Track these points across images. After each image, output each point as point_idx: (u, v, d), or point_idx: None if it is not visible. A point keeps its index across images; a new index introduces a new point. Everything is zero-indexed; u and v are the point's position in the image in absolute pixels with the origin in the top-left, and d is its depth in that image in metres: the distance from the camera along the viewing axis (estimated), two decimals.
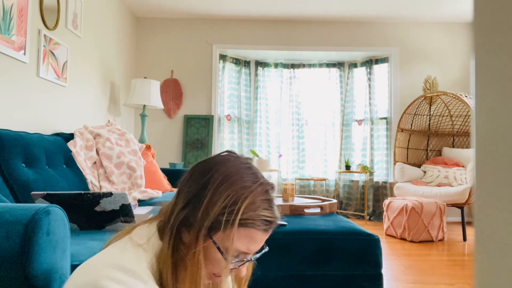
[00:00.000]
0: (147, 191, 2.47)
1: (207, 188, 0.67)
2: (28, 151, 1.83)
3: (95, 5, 3.30)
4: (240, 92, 4.73)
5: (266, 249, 0.76)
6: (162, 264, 0.66)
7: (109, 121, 2.96)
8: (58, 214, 0.95)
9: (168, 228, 0.68)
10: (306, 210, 1.89)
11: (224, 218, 0.66)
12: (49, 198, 1.36)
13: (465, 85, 4.51)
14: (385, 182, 4.52)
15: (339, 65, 4.89)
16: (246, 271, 0.73)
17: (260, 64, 4.86)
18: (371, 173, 4.54)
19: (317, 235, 1.52)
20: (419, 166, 4.35)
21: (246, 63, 4.82)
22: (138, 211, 1.82)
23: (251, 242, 0.69)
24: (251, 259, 0.72)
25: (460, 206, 3.46)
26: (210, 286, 0.80)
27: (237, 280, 0.81)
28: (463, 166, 4.00)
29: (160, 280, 0.66)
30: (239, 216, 0.66)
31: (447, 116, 4.44)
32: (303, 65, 4.89)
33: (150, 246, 0.68)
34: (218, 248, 0.67)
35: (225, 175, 0.69)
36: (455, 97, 3.84)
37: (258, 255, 0.74)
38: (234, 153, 0.76)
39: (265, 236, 0.71)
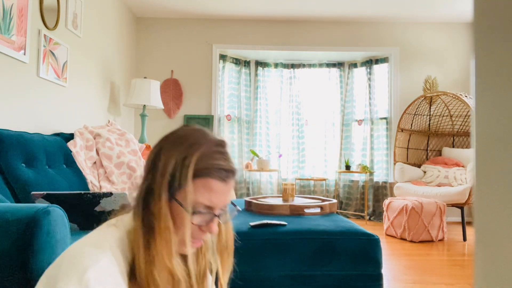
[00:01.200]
0: None
1: (161, 153, 0.70)
2: (28, 151, 1.83)
3: (95, 5, 3.30)
4: (240, 92, 4.73)
5: (238, 208, 0.78)
6: (133, 237, 0.68)
7: (109, 121, 2.96)
8: (58, 214, 0.95)
9: (136, 202, 0.70)
10: (306, 210, 1.89)
11: (179, 174, 0.68)
12: (49, 198, 1.36)
13: (465, 85, 4.51)
14: (385, 182, 4.52)
15: (339, 65, 4.89)
16: (216, 228, 0.73)
17: (260, 64, 4.86)
18: (371, 173, 4.54)
19: (317, 235, 1.52)
20: (419, 166, 4.35)
21: (246, 63, 4.82)
22: None
23: (211, 193, 0.70)
24: (219, 215, 0.72)
25: (460, 206, 3.46)
26: (200, 257, 0.81)
27: (218, 249, 0.82)
28: (463, 166, 4.00)
29: (133, 255, 0.67)
30: (191, 167, 0.68)
31: (447, 116, 4.44)
32: (303, 65, 4.89)
33: (122, 224, 0.70)
34: (181, 205, 0.68)
35: (177, 136, 0.72)
36: (455, 97, 3.84)
37: (228, 214, 0.76)
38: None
39: (225, 187, 0.72)
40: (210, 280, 0.89)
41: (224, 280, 0.81)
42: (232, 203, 0.79)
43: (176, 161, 0.69)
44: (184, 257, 0.78)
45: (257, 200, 2.12)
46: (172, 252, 0.67)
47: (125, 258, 0.66)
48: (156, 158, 0.71)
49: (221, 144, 0.74)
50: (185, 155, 0.69)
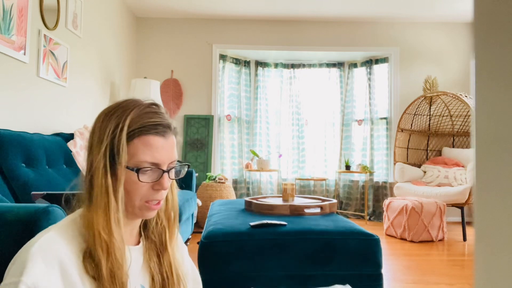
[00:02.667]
0: None
1: (95, 129, 0.73)
2: (28, 151, 1.83)
3: (95, 5, 3.30)
4: (240, 92, 4.73)
5: (185, 164, 0.80)
6: (83, 217, 0.70)
7: None
8: (58, 214, 0.95)
9: (84, 184, 0.72)
10: (306, 210, 1.89)
11: (116, 140, 0.69)
12: (49, 198, 1.36)
13: (465, 85, 4.51)
14: (385, 182, 4.52)
15: (339, 65, 4.89)
16: (168, 183, 0.74)
17: (260, 64, 4.86)
18: (371, 173, 4.54)
19: (317, 235, 1.52)
20: (419, 166, 4.35)
21: (246, 63, 4.82)
22: None
23: (152, 149, 0.71)
24: (168, 171, 0.74)
25: (460, 206, 3.46)
26: (159, 223, 0.82)
27: (166, 215, 0.83)
28: (463, 166, 4.00)
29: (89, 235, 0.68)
30: (125, 130, 0.69)
31: (447, 116, 4.44)
32: (303, 65, 4.89)
33: (78, 211, 0.73)
34: (127, 167, 0.70)
35: (109, 109, 0.74)
36: (455, 97, 3.84)
37: (178, 170, 0.79)
38: None
39: (166, 142, 0.74)
40: (184, 250, 0.92)
41: (171, 246, 0.83)
42: (179, 161, 0.81)
43: (110, 129, 0.70)
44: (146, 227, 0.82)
45: (257, 200, 2.12)
46: (109, 219, 0.68)
47: (76, 235, 0.68)
48: (93, 133, 0.73)
49: (153, 104, 0.76)
50: (117, 122, 0.70)
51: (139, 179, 0.71)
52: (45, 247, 0.62)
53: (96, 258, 0.66)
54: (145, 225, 0.83)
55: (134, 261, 0.76)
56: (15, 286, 0.57)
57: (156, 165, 0.73)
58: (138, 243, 0.81)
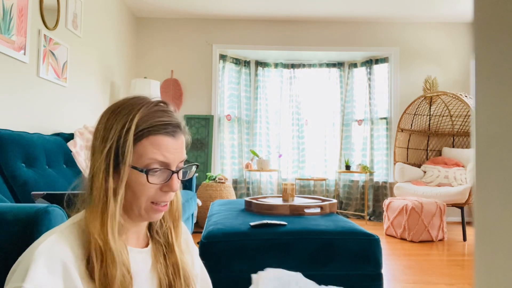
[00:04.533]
0: None
1: (99, 127, 0.69)
2: (28, 151, 1.83)
3: (95, 5, 3.30)
4: (240, 92, 4.73)
5: (194, 164, 0.78)
6: (85, 221, 0.67)
7: None
8: (58, 214, 0.95)
9: (86, 185, 0.70)
10: (306, 210, 1.89)
11: (122, 140, 0.66)
12: (49, 198, 1.36)
13: (465, 85, 4.51)
14: (385, 182, 4.52)
15: (339, 65, 4.89)
16: (177, 185, 0.72)
17: (260, 64, 4.86)
18: (371, 173, 4.54)
19: (317, 235, 1.52)
20: (419, 166, 4.35)
21: (246, 63, 4.82)
22: None
23: (161, 149, 0.69)
24: (177, 171, 0.72)
25: (460, 206, 3.46)
26: (164, 226, 0.80)
27: (171, 217, 0.81)
28: (463, 166, 4.00)
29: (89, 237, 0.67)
30: (132, 129, 0.66)
31: (447, 116, 4.44)
32: (303, 65, 4.89)
33: (80, 214, 0.71)
34: (135, 168, 0.67)
35: (114, 107, 0.70)
36: (455, 97, 3.84)
37: (187, 171, 0.76)
38: None
39: (175, 142, 0.71)
40: (194, 252, 0.90)
41: (178, 247, 0.81)
42: (187, 161, 0.79)
43: (116, 129, 0.67)
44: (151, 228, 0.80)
45: (257, 200, 2.12)
46: (105, 224, 0.65)
47: (79, 238, 0.66)
48: (97, 132, 0.70)
49: (162, 102, 0.73)
50: (125, 121, 0.67)
51: (148, 181, 0.68)
52: (48, 250, 0.61)
53: (91, 263, 0.64)
54: (149, 227, 0.82)
55: (142, 263, 0.75)
56: None
57: (165, 166, 0.70)
58: (147, 245, 0.79)
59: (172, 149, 0.70)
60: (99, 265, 0.64)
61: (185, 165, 0.76)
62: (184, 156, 0.74)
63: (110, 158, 0.67)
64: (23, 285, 0.57)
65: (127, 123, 0.67)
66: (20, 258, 0.62)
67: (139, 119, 0.68)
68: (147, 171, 0.68)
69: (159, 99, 0.74)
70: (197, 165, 0.79)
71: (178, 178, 0.73)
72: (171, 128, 0.70)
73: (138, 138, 0.68)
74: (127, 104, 0.70)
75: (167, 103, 0.74)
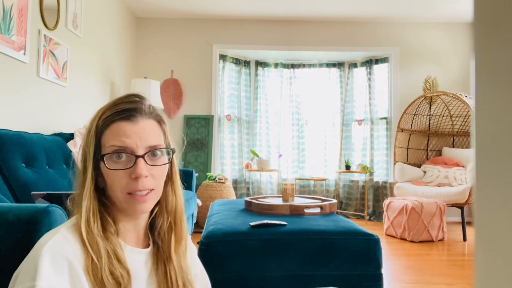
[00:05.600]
0: None
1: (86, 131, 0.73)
2: (28, 151, 1.83)
3: (95, 5, 3.30)
4: (240, 92, 4.73)
5: (170, 148, 0.76)
6: (77, 217, 0.68)
7: None
8: (58, 214, 0.95)
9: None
10: (306, 210, 1.89)
11: (89, 136, 0.70)
12: (49, 198, 1.36)
13: (465, 85, 4.51)
14: (385, 182, 4.52)
15: (339, 65, 4.89)
16: (141, 169, 0.68)
17: (260, 64, 4.86)
18: (371, 173, 4.54)
19: (317, 235, 1.52)
20: (419, 166, 4.35)
21: (246, 63, 4.82)
22: None
23: (119, 135, 0.69)
24: (142, 155, 0.69)
25: (460, 206, 3.46)
26: (160, 218, 0.79)
27: (169, 216, 0.80)
28: (463, 166, 4.00)
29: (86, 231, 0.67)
30: (95, 123, 0.70)
31: (447, 116, 4.44)
32: (303, 65, 4.89)
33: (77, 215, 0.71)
34: (100, 159, 0.69)
35: (95, 113, 0.74)
36: (455, 97, 3.84)
37: (164, 155, 0.74)
38: None
39: (135, 126, 0.70)
40: (193, 251, 0.89)
41: (177, 252, 0.78)
42: (170, 149, 0.76)
43: (88, 129, 0.71)
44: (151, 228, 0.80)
45: (257, 200, 2.12)
46: (88, 220, 0.67)
47: (80, 237, 0.66)
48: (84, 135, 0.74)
49: (130, 95, 0.74)
50: (93, 119, 0.71)
51: (106, 166, 0.68)
52: (54, 249, 0.61)
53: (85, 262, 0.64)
54: (151, 229, 0.80)
55: (142, 264, 0.74)
56: None
57: (124, 151, 0.68)
58: (147, 246, 0.78)
59: (131, 133, 0.69)
60: (89, 262, 0.64)
61: (162, 151, 0.73)
62: (155, 142, 0.72)
63: (86, 156, 0.70)
64: (36, 284, 0.56)
65: (94, 119, 0.71)
66: (26, 258, 0.62)
67: (101, 113, 0.71)
68: (101, 157, 0.68)
69: (131, 93, 0.75)
70: (172, 150, 0.76)
71: (147, 163, 0.70)
72: (127, 113, 0.70)
73: (100, 131, 0.70)
74: (104, 105, 0.74)
75: (136, 95, 0.74)
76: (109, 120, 0.70)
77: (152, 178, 0.71)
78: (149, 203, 0.72)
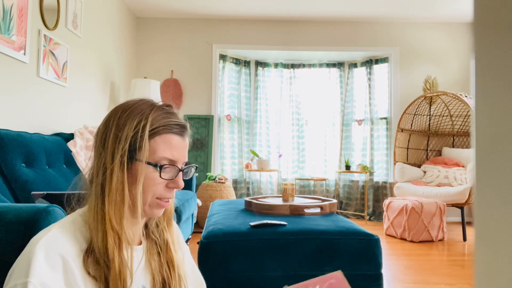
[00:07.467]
0: None
1: (111, 126, 0.72)
2: (28, 151, 1.83)
3: (95, 5, 3.30)
4: (240, 92, 4.73)
5: (194, 165, 0.82)
6: (87, 212, 0.70)
7: None
8: (58, 214, 0.95)
9: (90, 179, 0.73)
10: (306, 210, 1.89)
11: (139, 136, 0.70)
12: (49, 198, 1.36)
13: (465, 85, 4.51)
14: (385, 182, 4.52)
15: (339, 65, 4.89)
16: (183, 182, 0.77)
17: (260, 64, 4.86)
18: (371, 173, 4.54)
19: (317, 235, 1.52)
20: (419, 166, 4.35)
21: (246, 63, 4.81)
22: None
23: (171, 147, 0.74)
24: (182, 169, 0.76)
25: (460, 206, 3.46)
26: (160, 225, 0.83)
27: (165, 216, 0.84)
28: (463, 166, 4.00)
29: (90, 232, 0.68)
30: (147, 127, 0.71)
31: (447, 116, 4.44)
32: (303, 65, 4.89)
33: (78, 211, 0.73)
34: (150, 163, 0.71)
35: (124, 108, 0.74)
36: (455, 97, 3.84)
37: (189, 170, 0.81)
38: None
39: (183, 142, 0.76)
40: (186, 251, 0.93)
41: (173, 244, 0.84)
42: (188, 162, 0.83)
43: (130, 126, 0.71)
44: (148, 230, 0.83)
45: (257, 200, 2.12)
46: (122, 216, 0.69)
47: (77, 235, 0.67)
48: (106, 129, 0.72)
49: (169, 105, 0.78)
50: (139, 119, 0.71)
51: (160, 176, 0.73)
52: (48, 245, 0.62)
53: (102, 256, 0.65)
54: (145, 225, 0.84)
55: (136, 260, 0.77)
56: (23, 287, 0.57)
57: (173, 163, 0.75)
58: (140, 243, 0.81)
59: (180, 148, 0.76)
60: (117, 254, 0.66)
61: (187, 165, 0.80)
62: (187, 157, 0.80)
63: (126, 153, 0.70)
64: (28, 280, 0.57)
65: (142, 121, 0.71)
66: (20, 255, 0.63)
67: (153, 118, 0.72)
68: (161, 167, 0.72)
69: (166, 102, 0.79)
70: (197, 167, 0.84)
71: (183, 177, 0.78)
72: (180, 128, 0.76)
73: (152, 135, 0.72)
74: (137, 105, 0.74)
75: (173, 106, 0.79)
76: (165, 130, 0.73)
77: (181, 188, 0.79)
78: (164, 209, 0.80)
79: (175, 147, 0.74)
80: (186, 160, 0.79)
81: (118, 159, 0.70)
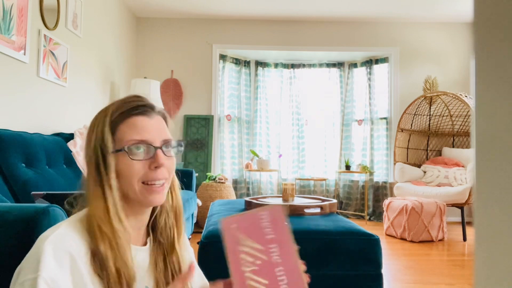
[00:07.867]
0: None
1: (88, 131, 0.75)
2: (28, 151, 1.83)
3: (95, 5, 3.30)
4: (240, 92, 4.73)
5: (177, 140, 0.80)
6: (87, 208, 0.70)
7: None
8: (58, 214, 0.95)
9: (85, 187, 0.73)
10: (306, 210, 1.89)
11: (100, 130, 0.72)
12: (49, 198, 1.36)
13: (465, 85, 4.51)
14: (385, 182, 4.52)
15: (339, 65, 4.89)
16: (163, 159, 0.73)
17: (260, 64, 4.86)
18: (371, 173, 4.54)
19: (317, 235, 1.52)
20: (419, 166, 4.35)
21: (246, 63, 4.81)
22: None
23: (136, 128, 0.72)
24: (160, 147, 0.74)
25: (460, 206, 3.46)
26: (164, 215, 0.82)
27: (172, 213, 0.83)
28: (463, 166, 4.00)
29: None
30: (108, 119, 0.72)
31: (447, 116, 4.44)
32: (303, 65, 4.89)
33: (84, 211, 0.73)
34: (117, 150, 0.71)
35: (98, 111, 0.77)
36: (455, 97, 3.84)
37: (175, 148, 0.78)
38: None
39: (151, 121, 0.74)
40: (191, 253, 0.92)
41: (179, 245, 0.82)
42: (177, 141, 0.81)
43: (95, 124, 0.73)
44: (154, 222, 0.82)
45: (257, 200, 2.12)
46: (108, 211, 0.68)
47: (83, 234, 0.67)
48: (88, 132, 0.75)
49: (136, 95, 0.78)
50: (102, 115, 0.73)
51: (130, 157, 0.71)
52: (56, 243, 0.62)
53: (100, 256, 0.65)
54: (153, 227, 0.82)
55: (141, 261, 0.76)
56: (33, 282, 0.57)
57: (145, 142, 0.72)
58: (145, 244, 0.80)
59: (148, 126, 0.74)
60: (110, 255, 0.66)
61: (173, 145, 0.78)
62: (168, 136, 0.77)
63: (98, 151, 0.71)
64: (39, 274, 0.57)
65: (103, 117, 0.73)
66: (29, 252, 0.63)
67: (112, 110, 0.73)
68: (128, 148, 0.71)
69: (135, 94, 0.79)
70: (180, 141, 0.81)
71: (165, 154, 0.75)
72: (142, 108, 0.74)
73: (114, 125, 0.72)
74: (110, 103, 0.76)
75: (140, 95, 0.78)
76: (124, 115, 0.73)
77: (165, 169, 0.75)
78: (163, 195, 0.76)
79: (142, 127, 0.73)
80: (167, 137, 0.76)
81: (91, 158, 0.71)
